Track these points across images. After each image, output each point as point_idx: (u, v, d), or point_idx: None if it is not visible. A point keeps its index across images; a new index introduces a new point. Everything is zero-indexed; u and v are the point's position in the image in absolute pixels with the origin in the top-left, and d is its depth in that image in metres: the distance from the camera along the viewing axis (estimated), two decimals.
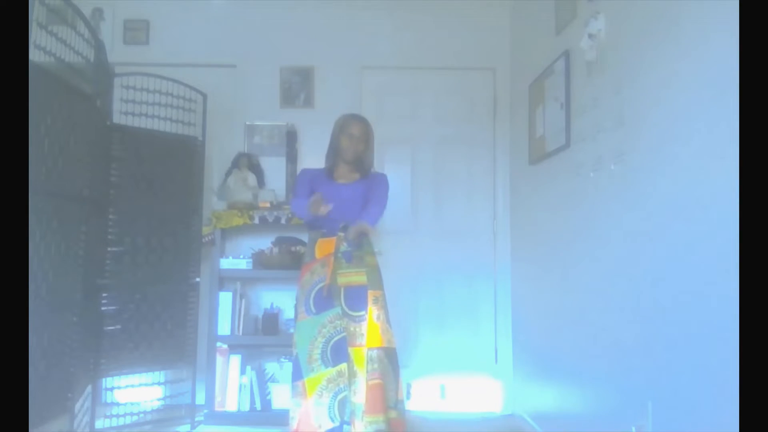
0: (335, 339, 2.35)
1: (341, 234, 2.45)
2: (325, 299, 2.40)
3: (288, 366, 3.37)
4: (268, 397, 3.33)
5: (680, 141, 1.76)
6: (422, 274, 3.71)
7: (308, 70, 3.77)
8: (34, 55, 2.02)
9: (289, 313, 3.51)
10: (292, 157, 3.65)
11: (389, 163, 3.76)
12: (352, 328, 2.36)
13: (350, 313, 2.38)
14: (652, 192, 1.91)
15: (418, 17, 3.79)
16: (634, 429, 1.93)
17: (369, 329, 2.33)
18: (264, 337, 3.41)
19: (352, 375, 2.30)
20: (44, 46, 2.12)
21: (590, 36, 2.33)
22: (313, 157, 3.33)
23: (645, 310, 1.94)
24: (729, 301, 1.40)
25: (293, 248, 3.40)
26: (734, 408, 1.18)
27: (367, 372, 2.28)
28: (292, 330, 3.29)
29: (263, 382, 3.34)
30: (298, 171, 3.60)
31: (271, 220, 3.41)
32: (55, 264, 2.20)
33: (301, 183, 2.70)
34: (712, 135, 1.59)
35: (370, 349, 2.31)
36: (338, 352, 2.34)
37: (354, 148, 2.61)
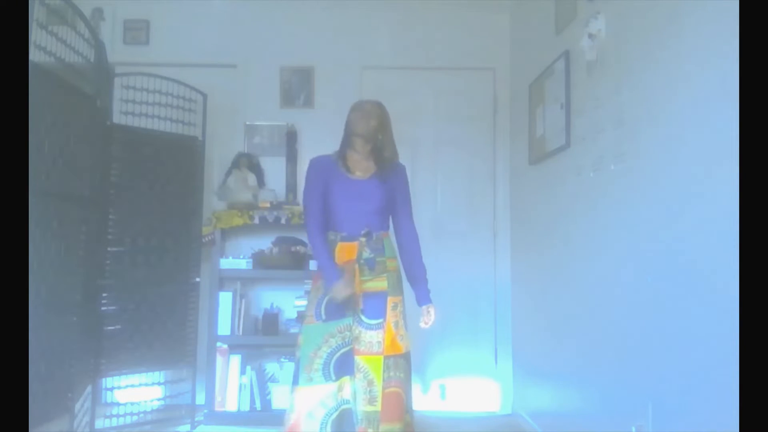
0: (341, 352, 2.20)
1: (363, 239, 2.27)
2: (337, 308, 2.22)
3: (288, 366, 3.38)
4: (268, 397, 3.33)
5: (680, 141, 1.76)
6: None
7: (308, 70, 3.77)
8: (34, 55, 2.02)
9: (289, 313, 3.51)
10: (292, 157, 3.64)
11: None
12: (367, 337, 2.21)
13: (367, 321, 2.23)
14: (652, 192, 1.91)
15: (417, 17, 3.79)
16: (634, 429, 1.93)
17: (387, 337, 2.22)
18: (264, 337, 3.40)
19: (369, 384, 2.18)
20: (44, 46, 2.12)
21: (590, 36, 2.34)
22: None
23: (645, 310, 1.94)
24: (729, 301, 1.40)
25: (293, 248, 3.40)
26: (734, 408, 1.18)
27: (383, 380, 2.18)
28: (293, 330, 3.30)
29: (263, 382, 3.34)
30: (298, 169, 3.57)
31: (271, 220, 3.41)
32: (55, 264, 2.20)
33: (314, 181, 2.35)
34: (712, 135, 1.59)
35: (387, 357, 2.20)
36: (342, 365, 2.19)
37: (366, 121, 2.34)
